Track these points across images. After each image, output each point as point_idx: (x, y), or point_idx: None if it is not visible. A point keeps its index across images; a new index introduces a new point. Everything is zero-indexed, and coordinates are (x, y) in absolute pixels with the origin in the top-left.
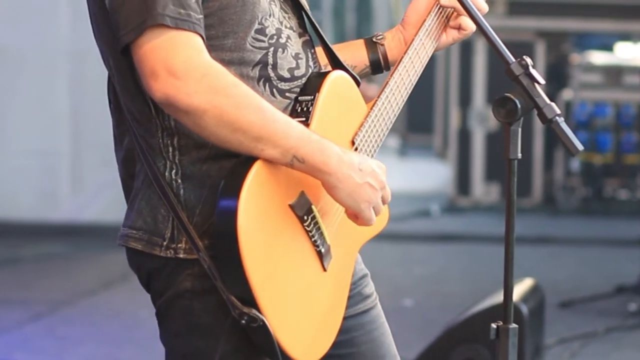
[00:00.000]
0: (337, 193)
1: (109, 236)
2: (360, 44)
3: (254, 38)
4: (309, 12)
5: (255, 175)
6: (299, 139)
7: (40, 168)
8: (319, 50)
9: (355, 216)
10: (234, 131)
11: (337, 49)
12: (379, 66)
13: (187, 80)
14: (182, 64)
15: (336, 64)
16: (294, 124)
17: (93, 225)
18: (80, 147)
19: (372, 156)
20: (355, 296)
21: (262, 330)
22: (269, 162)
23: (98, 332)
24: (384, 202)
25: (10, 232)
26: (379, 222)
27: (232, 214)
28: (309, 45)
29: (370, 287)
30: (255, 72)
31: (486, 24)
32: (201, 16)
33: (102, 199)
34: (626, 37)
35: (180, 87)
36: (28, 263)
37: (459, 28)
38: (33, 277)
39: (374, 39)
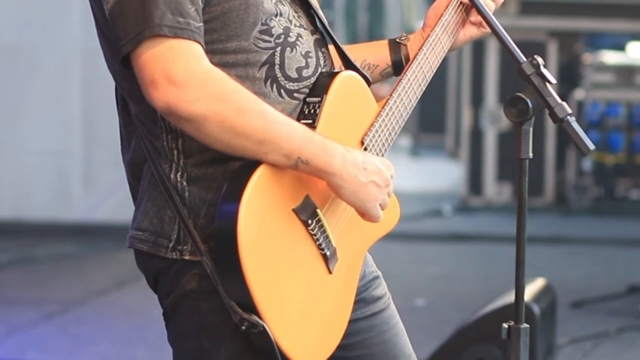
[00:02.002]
0: (343, 192)
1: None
2: (384, 43)
3: (258, 39)
4: (319, 11)
5: (258, 180)
6: (302, 140)
7: (53, 168)
8: (332, 49)
9: (363, 214)
10: (237, 136)
11: (361, 48)
12: (401, 66)
13: (187, 89)
14: (181, 72)
15: (347, 63)
16: (297, 125)
17: (106, 225)
18: (93, 146)
19: (382, 155)
20: (365, 299)
21: (263, 336)
22: (274, 166)
23: (111, 332)
24: (388, 196)
25: (23, 232)
26: (388, 223)
27: (233, 219)
28: (320, 44)
29: (381, 289)
30: (262, 73)
31: (498, 24)
32: (201, 24)
33: (115, 198)
34: (638, 37)
35: (181, 95)
36: (41, 263)
37: (479, 24)
38: (46, 276)
39: (397, 40)
